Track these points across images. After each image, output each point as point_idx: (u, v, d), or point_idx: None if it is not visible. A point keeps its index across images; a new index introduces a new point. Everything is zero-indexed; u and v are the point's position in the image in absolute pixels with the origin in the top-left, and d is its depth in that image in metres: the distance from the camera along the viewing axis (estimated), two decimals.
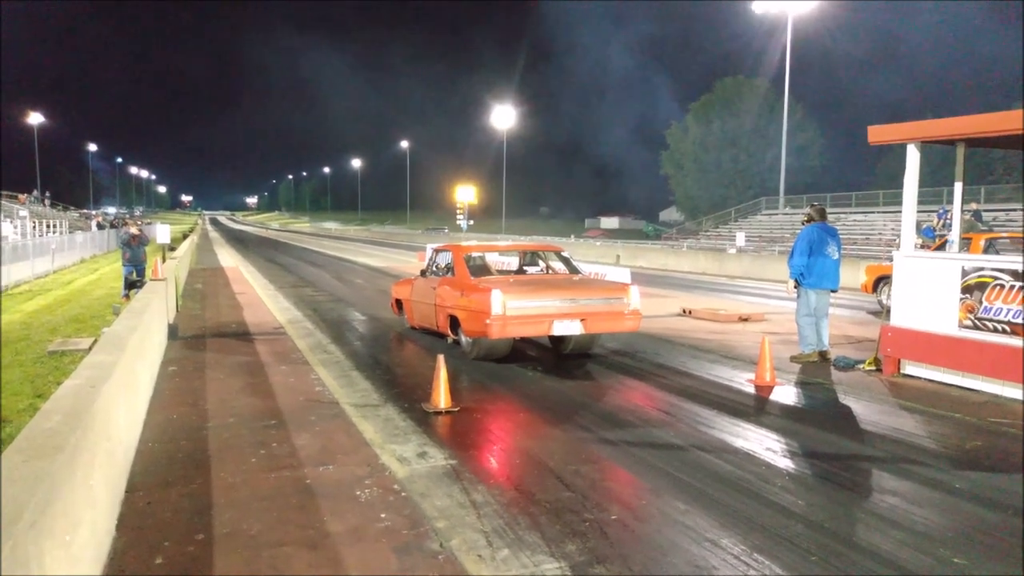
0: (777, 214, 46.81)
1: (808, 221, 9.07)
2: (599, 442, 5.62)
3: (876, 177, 60.19)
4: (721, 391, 7.44)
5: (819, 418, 6.52)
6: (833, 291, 8.94)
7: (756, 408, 6.89)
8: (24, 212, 39.55)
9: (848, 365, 8.53)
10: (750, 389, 7.54)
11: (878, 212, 40.22)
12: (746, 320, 12.64)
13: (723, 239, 44.28)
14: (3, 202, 41.56)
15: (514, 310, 8.06)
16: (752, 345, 9.83)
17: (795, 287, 8.92)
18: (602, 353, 9.41)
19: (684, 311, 13.49)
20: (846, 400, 7.13)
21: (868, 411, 6.70)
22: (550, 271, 10.43)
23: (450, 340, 9.44)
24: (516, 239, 44.24)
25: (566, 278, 9.64)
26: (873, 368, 8.27)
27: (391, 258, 33.17)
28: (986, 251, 11.69)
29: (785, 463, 5.20)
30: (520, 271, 10.54)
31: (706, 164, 67.19)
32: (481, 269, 9.78)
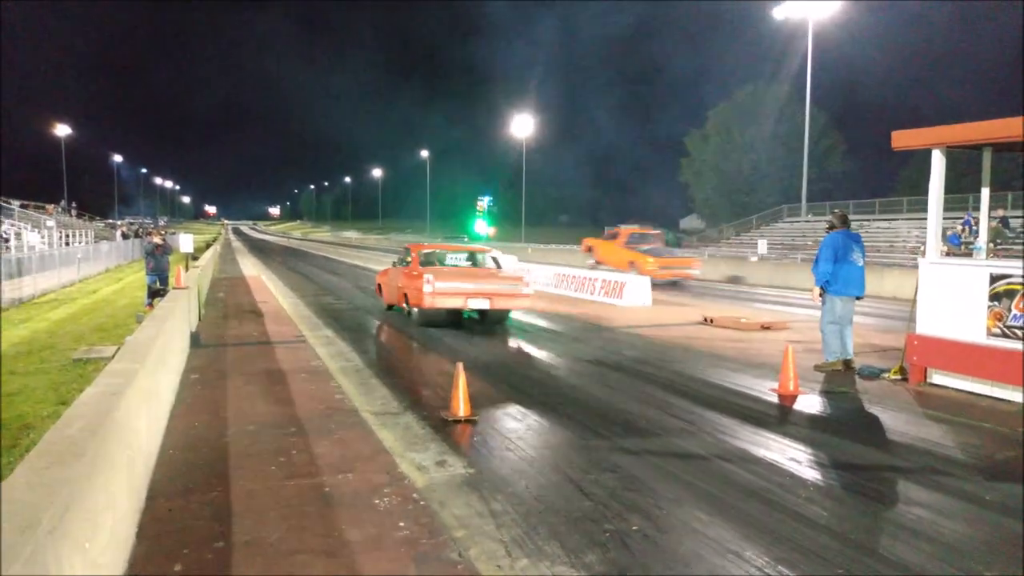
0: (799, 221, 46.39)
1: (831, 228, 8.96)
2: (619, 451, 5.56)
3: (899, 183, 59.60)
4: (743, 400, 7.35)
5: (844, 428, 6.42)
6: (859, 298, 8.82)
7: (779, 417, 6.80)
8: (51, 222, 40.18)
9: (873, 374, 8.40)
10: (773, 398, 7.45)
11: (902, 219, 39.73)
12: (768, 328, 12.52)
13: (744, 247, 43.94)
14: (30, 212, 42.25)
15: (440, 289, 11.50)
16: (775, 354, 9.72)
17: (820, 295, 8.82)
18: (621, 360, 9.36)
19: (705, 319, 13.38)
20: (871, 410, 7.01)
21: (894, 421, 6.59)
22: (483, 262, 13.62)
23: (405, 311, 12.97)
24: (527, 244, 44.23)
25: (485, 271, 13.02)
26: (899, 377, 8.14)
27: None
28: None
29: (810, 473, 5.12)
30: (462, 264, 13.49)
31: (726, 171, 66.82)
32: (429, 262, 12.97)
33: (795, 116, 57.24)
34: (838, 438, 6.03)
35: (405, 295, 12.52)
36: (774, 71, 62.15)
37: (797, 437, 6.03)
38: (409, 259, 13.14)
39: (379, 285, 15.16)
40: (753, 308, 16.58)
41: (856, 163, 66.54)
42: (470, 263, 13.61)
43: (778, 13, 41.21)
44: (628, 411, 6.86)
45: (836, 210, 9.63)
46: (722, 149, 66.98)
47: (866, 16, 60.34)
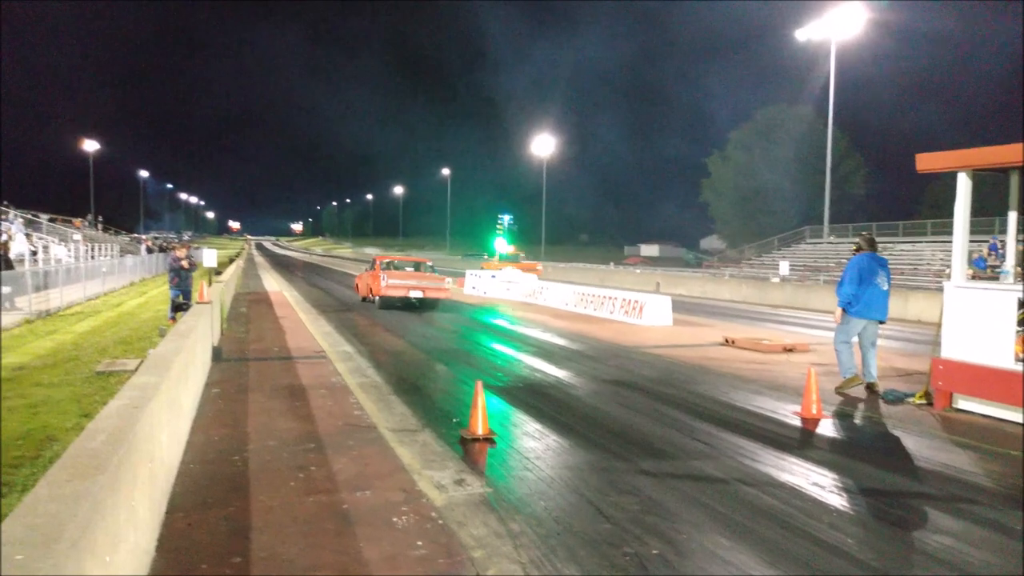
0: (821, 243, 46.06)
1: (858, 250, 8.92)
2: (638, 473, 5.51)
3: (924, 205, 59.07)
4: (765, 423, 7.26)
5: (868, 453, 6.32)
6: (881, 322, 8.73)
7: (802, 441, 6.71)
8: (78, 236, 40.80)
9: (897, 398, 8.28)
10: (796, 421, 7.36)
11: (926, 242, 39.33)
12: (791, 351, 12.39)
13: (766, 268, 43.67)
14: (58, 226, 42.92)
15: (391, 283, 18.49)
16: (797, 376, 9.63)
17: (842, 314, 8.76)
18: (641, 381, 9.30)
19: (726, 340, 13.28)
20: (896, 434, 6.90)
21: (919, 446, 6.47)
22: (424, 270, 20.73)
23: (371, 300, 19.78)
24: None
25: (422, 274, 20.03)
26: (923, 402, 8.02)
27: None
28: None
29: (833, 499, 5.03)
30: (408, 269, 20.59)
31: (747, 192, 66.63)
32: (387, 267, 20.03)
33: (817, 137, 57.04)
34: (862, 463, 5.94)
35: (371, 288, 19.75)
36: (796, 92, 62.07)
37: (820, 462, 5.94)
38: (374, 266, 20.44)
39: (356, 285, 23.04)
40: (775, 330, 16.43)
41: (879, 185, 66.12)
42: (413, 268, 20.82)
43: (800, 35, 41.16)
44: (648, 433, 6.80)
45: (864, 232, 9.66)
46: (743, 170, 66.84)
47: (888, 38, 60.14)
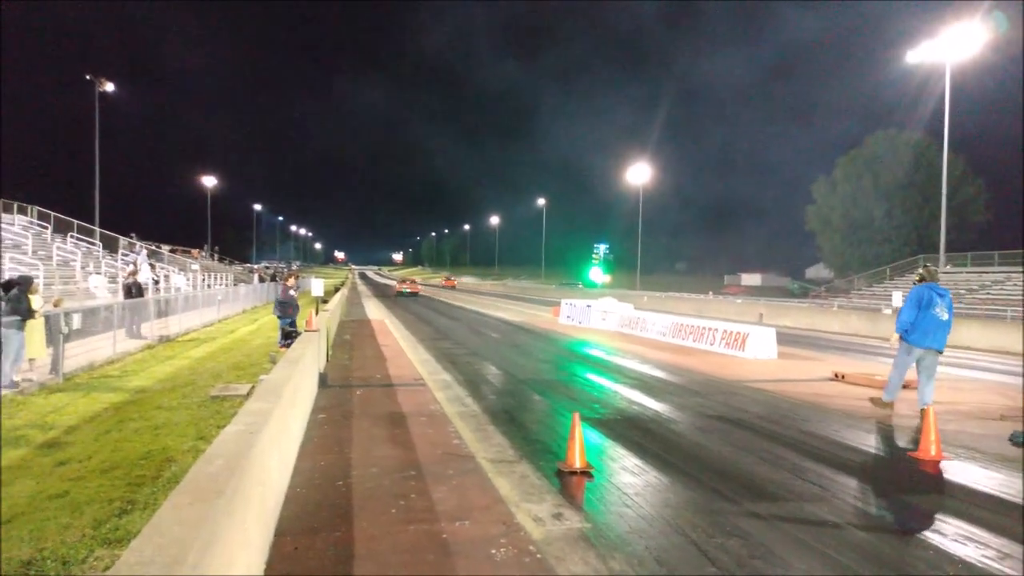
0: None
1: (920, 281, 9.30)
2: (744, 514, 5.31)
3: None
4: (879, 464, 6.88)
5: (992, 499, 5.87)
6: (939, 351, 8.85)
7: (920, 484, 6.30)
8: (196, 266, 43.29)
9: None
10: (913, 463, 6.93)
11: None
12: (905, 387, 11.70)
13: (877, 298, 41.64)
14: (178, 256, 45.68)
15: (398, 285, 60.51)
16: (913, 415, 9.11)
17: (899, 340, 9.10)
18: (745, 417, 9.01)
19: (836, 375, 12.71)
20: None
21: None
22: (416, 281, 69.36)
23: (395, 293, 58.01)
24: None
25: (415, 282, 64.53)
26: None
27: (525, 312, 33.48)
28: None
29: (957, 548, 4.70)
30: (409, 280, 66.12)
31: (856, 220, 63.98)
32: (401, 280, 67.14)
33: (931, 162, 54.36)
34: (986, 511, 5.52)
35: (395, 287, 64.19)
36: (907, 116, 59.44)
37: (941, 507, 5.57)
38: (396, 278, 78.92)
39: (393, 286, 70.60)
40: (888, 364, 15.58)
41: (1005, 212, 62.20)
42: (412, 281, 64.91)
43: (912, 57, 39.43)
44: (753, 472, 6.56)
45: (927, 264, 9.96)
46: (852, 197, 64.33)
47: (1010, 60, 56.72)
